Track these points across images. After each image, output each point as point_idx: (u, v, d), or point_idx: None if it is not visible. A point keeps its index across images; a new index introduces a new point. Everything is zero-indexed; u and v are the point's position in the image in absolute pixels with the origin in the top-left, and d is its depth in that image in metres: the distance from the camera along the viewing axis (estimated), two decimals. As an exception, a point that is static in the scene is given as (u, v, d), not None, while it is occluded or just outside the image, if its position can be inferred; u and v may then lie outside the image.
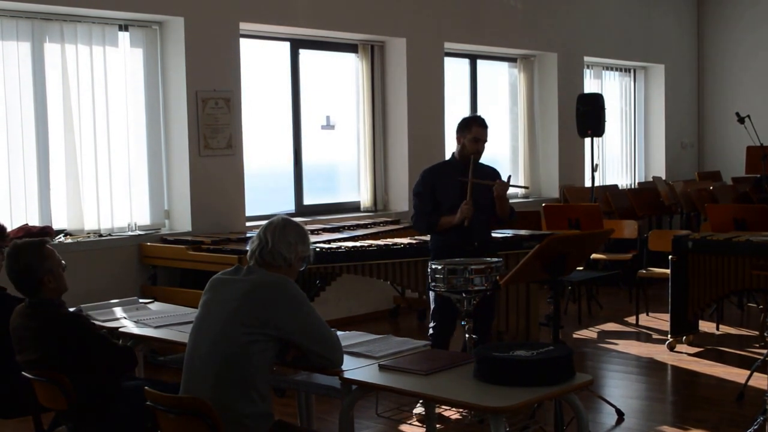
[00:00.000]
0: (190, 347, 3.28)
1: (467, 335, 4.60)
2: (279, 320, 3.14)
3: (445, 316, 5.23)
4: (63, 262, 3.73)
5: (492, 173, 5.41)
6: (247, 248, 3.39)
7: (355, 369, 3.35)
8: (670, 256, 6.58)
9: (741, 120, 9.99)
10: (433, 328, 5.30)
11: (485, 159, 5.44)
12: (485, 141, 5.31)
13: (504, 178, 5.31)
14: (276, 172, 8.28)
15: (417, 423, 5.08)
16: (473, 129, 5.26)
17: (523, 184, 5.36)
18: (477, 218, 5.19)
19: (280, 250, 3.28)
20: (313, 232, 6.87)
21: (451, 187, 5.26)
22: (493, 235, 6.17)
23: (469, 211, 5.13)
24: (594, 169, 9.59)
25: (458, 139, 5.33)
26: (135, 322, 4.31)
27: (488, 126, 5.35)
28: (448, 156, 5.55)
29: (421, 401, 5.16)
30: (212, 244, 6.45)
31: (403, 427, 5.11)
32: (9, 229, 5.53)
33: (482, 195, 5.24)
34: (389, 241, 6.45)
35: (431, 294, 5.27)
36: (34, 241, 3.74)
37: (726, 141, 12.70)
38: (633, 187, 11.87)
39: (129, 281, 6.61)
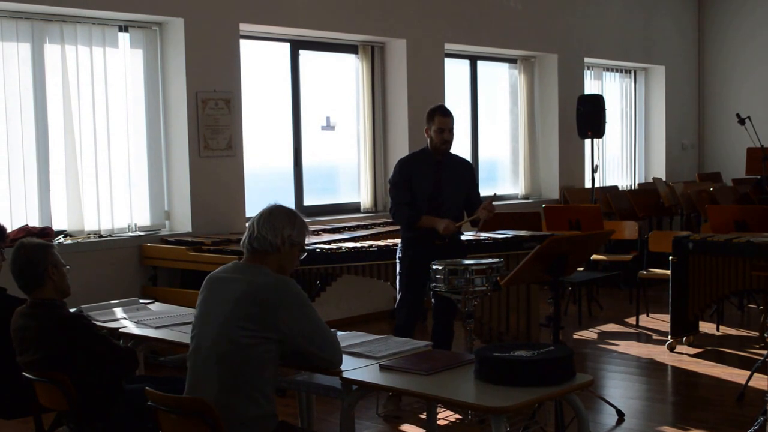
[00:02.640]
0: (192, 349, 3.26)
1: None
2: (279, 322, 3.10)
3: (413, 310, 5.30)
4: (67, 266, 3.76)
5: (463, 164, 5.48)
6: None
7: (356, 369, 3.34)
8: (670, 257, 6.58)
9: (741, 121, 9.98)
10: (399, 319, 5.34)
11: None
12: (450, 130, 5.30)
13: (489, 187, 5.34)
14: (276, 172, 8.28)
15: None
16: (436, 119, 5.26)
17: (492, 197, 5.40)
18: (448, 215, 5.24)
19: (265, 234, 3.21)
20: (313, 232, 6.87)
21: (426, 177, 5.30)
22: (494, 235, 6.20)
23: (453, 231, 5.23)
24: (594, 170, 9.59)
25: (426, 131, 5.35)
26: (135, 322, 4.31)
27: (452, 115, 5.33)
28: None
29: (386, 402, 5.21)
30: (212, 245, 6.45)
31: (403, 427, 5.10)
32: (9, 230, 5.54)
33: (453, 193, 5.30)
34: (389, 241, 6.44)
35: (398, 287, 5.39)
36: (42, 241, 3.85)
37: (726, 142, 12.70)
38: (633, 188, 11.87)
39: (129, 282, 6.61)
